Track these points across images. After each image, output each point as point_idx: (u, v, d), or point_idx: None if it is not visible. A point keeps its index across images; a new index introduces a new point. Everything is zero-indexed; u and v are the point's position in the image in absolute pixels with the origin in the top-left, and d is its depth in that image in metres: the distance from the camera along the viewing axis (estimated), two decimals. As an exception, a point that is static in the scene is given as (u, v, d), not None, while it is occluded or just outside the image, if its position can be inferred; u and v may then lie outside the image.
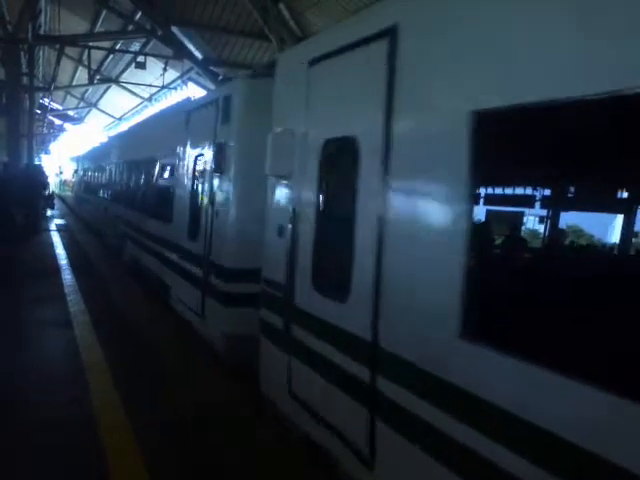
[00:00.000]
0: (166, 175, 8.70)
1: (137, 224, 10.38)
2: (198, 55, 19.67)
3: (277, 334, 4.23)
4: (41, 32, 20.40)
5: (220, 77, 19.34)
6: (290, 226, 4.11)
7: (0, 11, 17.29)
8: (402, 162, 3.03)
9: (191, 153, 7.17)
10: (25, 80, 20.02)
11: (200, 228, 6.52)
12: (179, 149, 7.68)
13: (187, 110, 7.52)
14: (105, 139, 25.69)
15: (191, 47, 19.31)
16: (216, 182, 6.15)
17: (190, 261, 6.86)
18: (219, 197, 6.07)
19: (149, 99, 30.04)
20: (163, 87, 24.95)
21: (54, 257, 12.23)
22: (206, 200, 6.41)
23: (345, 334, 3.38)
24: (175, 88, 25.51)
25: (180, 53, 19.03)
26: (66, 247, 13.83)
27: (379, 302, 3.10)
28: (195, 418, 4.46)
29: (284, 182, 4.27)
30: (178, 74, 24.08)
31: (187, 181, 7.28)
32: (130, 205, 11.39)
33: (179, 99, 18.92)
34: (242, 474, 3.75)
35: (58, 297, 8.25)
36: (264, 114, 4.77)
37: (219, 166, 5.93)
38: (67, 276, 10.01)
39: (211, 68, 19.83)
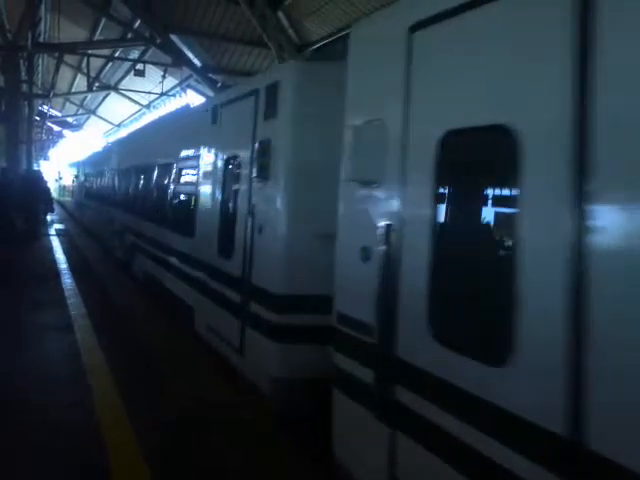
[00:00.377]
0: (186, 181, 7.01)
1: (149, 235, 8.56)
2: (197, 62, 18.32)
3: (364, 391, 2.87)
4: (41, 40, 19.16)
5: (219, 84, 17.99)
6: (384, 248, 2.76)
7: (0, 19, 15.93)
8: (623, 159, 1.73)
9: (220, 155, 5.59)
10: (24, 87, 18.68)
11: (235, 244, 4.94)
12: (203, 151, 6.10)
13: (213, 106, 5.89)
14: (109, 143, 23.98)
15: (190, 55, 18.00)
16: (258, 190, 4.60)
17: (222, 283, 5.27)
18: (263, 208, 4.53)
19: (148, 106, 28.27)
20: (162, 94, 23.47)
21: (54, 261, 11.50)
22: (244, 211, 4.83)
23: (508, 416, 2.05)
24: (174, 95, 24.01)
25: (179, 61, 17.72)
26: (66, 251, 12.95)
27: (584, 376, 1.77)
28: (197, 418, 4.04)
29: (370, 189, 2.92)
30: (177, 81, 22.57)
31: (215, 188, 5.67)
32: (141, 214, 9.46)
33: (178, 106, 17.52)
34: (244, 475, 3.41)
35: (58, 301, 7.58)
36: (321, 105, 3.72)
37: (263, 170, 4.38)
38: (67, 280, 9.21)
39: (210, 75, 18.47)
